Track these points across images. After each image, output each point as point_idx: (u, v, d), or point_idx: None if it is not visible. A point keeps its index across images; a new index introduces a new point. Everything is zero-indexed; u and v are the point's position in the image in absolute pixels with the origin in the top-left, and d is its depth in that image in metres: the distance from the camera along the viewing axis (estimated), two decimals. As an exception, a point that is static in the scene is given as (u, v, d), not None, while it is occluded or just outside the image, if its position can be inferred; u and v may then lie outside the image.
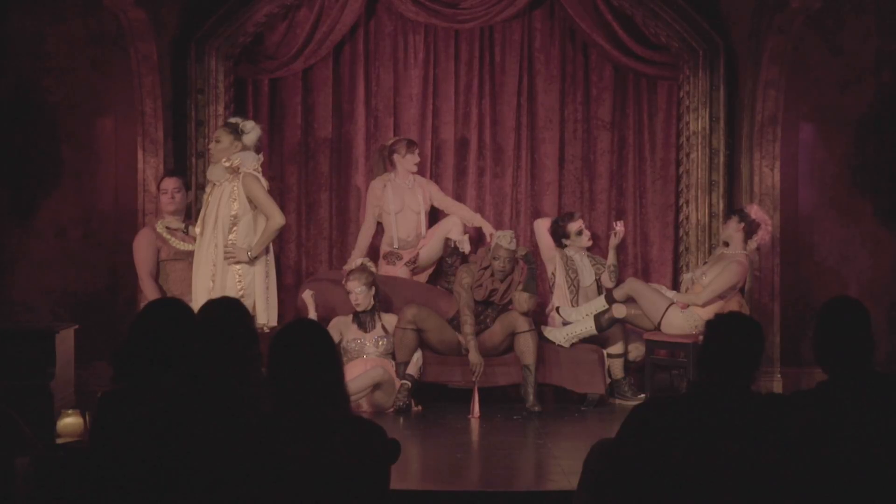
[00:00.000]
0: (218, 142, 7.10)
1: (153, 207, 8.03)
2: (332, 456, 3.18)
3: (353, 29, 8.74)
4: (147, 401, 3.33)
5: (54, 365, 6.68)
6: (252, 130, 7.12)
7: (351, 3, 8.55)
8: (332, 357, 3.34)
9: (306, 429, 3.21)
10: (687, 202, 8.66)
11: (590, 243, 8.44)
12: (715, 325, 3.63)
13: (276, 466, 3.16)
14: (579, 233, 8.38)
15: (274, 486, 3.16)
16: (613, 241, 8.37)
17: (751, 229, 7.91)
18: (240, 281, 6.97)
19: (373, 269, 7.96)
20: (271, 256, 7.18)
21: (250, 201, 7.02)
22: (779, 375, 8.29)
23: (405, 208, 8.41)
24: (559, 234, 8.43)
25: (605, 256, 8.48)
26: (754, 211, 7.95)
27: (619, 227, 8.38)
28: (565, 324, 8.11)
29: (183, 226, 7.60)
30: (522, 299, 7.81)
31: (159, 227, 7.53)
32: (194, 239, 7.29)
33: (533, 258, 7.97)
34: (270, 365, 3.31)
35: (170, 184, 7.64)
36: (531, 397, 7.69)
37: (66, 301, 8.30)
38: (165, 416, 3.27)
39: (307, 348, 3.31)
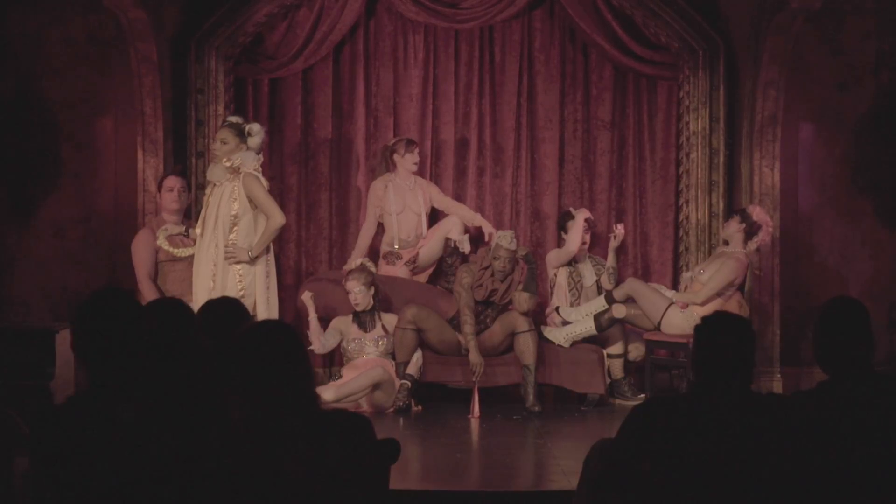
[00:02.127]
0: (224, 143, 7.10)
1: (153, 207, 8.03)
2: (317, 452, 3.16)
3: (353, 29, 8.74)
4: (106, 412, 3.17)
5: (54, 365, 6.69)
6: (258, 134, 7.16)
7: (351, 3, 8.55)
8: (298, 354, 3.27)
9: (286, 429, 3.18)
10: (687, 202, 8.66)
11: (583, 245, 8.42)
12: (703, 329, 3.62)
13: (262, 470, 3.14)
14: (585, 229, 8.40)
15: (265, 491, 3.14)
16: (613, 244, 8.36)
17: (752, 230, 7.91)
18: (240, 281, 6.98)
19: (372, 269, 7.96)
20: (272, 256, 7.19)
21: (250, 201, 7.03)
22: (779, 375, 8.29)
23: (406, 209, 8.42)
24: (560, 228, 8.46)
25: (604, 257, 8.48)
26: (756, 212, 7.94)
27: (619, 229, 8.37)
28: (565, 324, 8.11)
29: (183, 227, 7.60)
30: (522, 299, 7.81)
31: (160, 241, 7.52)
32: (194, 241, 7.30)
33: (533, 258, 7.97)
34: (237, 368, 3.23)
35: (176, 182, 7.67)
36: (531, 397, 7.69)
37: (66, 301, 8.29)
38: (134, 425, 3.14)
39: (272, 347, 3.24)
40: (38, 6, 8.31)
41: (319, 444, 3.16)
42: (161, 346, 3.30)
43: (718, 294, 7.82)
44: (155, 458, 3.11)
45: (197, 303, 6.51)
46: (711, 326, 3.61)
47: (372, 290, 7.78)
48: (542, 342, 7.94)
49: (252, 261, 7.01)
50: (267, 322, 3.39)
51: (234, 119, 7.29)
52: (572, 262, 8.41)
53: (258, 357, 3.21)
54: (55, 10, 8.33)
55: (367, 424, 3.28)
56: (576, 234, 8.30)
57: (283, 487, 3.13)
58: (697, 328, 3.64)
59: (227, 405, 3.35)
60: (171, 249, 7.49)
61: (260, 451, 3.14)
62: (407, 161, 8.41)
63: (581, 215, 8.36)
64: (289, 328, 3.34)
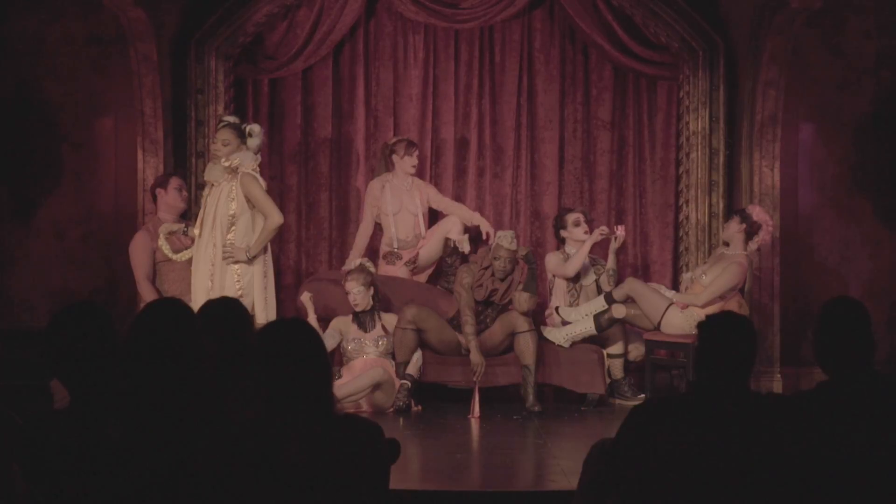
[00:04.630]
0: (226, 144, 7.09)
1: (153, 207, 8.01)
2: (327, 457, 3.16)
3: (352, 29, 8.74)
4: (98, 421, 3.16)
5: (54, 365, 6.67)
6: (258, 135, 7.16)
7: (351, 3, 8.55)
8: (320, 356, 3.29)
9: (299, 430, 3.18)
10: (687, 202, 8.66)
11: (586, 237, 8.38)
12: (706, 328, 3.62)
13: (268, 470, 3.14)
14: (577, 224, 8.34)
15: (268, 491, 3.14)
16: (614, 245, 8.30)
17: (752, 230, 7.91)
18: (238, 280, 6.98)
19: (371, 269, 7.95)
20: (269, 256, 7.18)
21: (248, 201, 7.03)
22: (779, 375, 8.29)
23: (403, 210, 8.42)
24: (558, 227, 8.43)
25: (604, 258, 8.46)
26: (756, 212, 7.94)
27: (620, 231, 8.33)
28: (565, 324, 8.10)
29: (183, 226, 7.61)
30: (523, 299, 7.80)
31: (161, 242, 7.52)
32: (192, 240, 7.31)
33: (533, 258, 7.96)
34: (257, 364, 3.24)
35: (183, 183, 7.76)
36: (531, 397, 7.69)
37: (66, 301, 8.26)
38: (132, 432, 3.13)
39: (294, 347, 3.25)
40: (38, 6, 8.31)
41: (329, 447, 3.16)
42: (161, 346, 3.30)
43: (719, 297, 7.81)
44: (147, 468, 3.11)
45: (195, 303, 6.51)
46: (716, 326, 3.61)
47: (371, 291, 7.77)
48: (542, 342, 7.94)
49: (250, 260, 7.00)
50: (291, 321, 3.40)
51: (232, 119, 7.28)
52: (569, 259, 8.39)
53: (279, 355, 3.22)
54: (55, 10, 8.33)
55: (378, 431, 3.28)
56: (579, 259, 8.23)
57: (287, 488, 3.13)
58: (701, 325, 3.64)
59: (228, 406, 3.35)
60: (170, 254, 7.49)
61: (268, 450, 3.14)
62: (405, 163, 8.41)
63: (592, 239, 8.24)
64: (312, 329, 3.35)
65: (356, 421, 3.32)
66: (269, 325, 3.35)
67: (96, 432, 3.14)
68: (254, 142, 7.13)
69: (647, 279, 8.59)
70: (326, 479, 3.15)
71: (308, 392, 3.22)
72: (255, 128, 7.19)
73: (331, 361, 3.36)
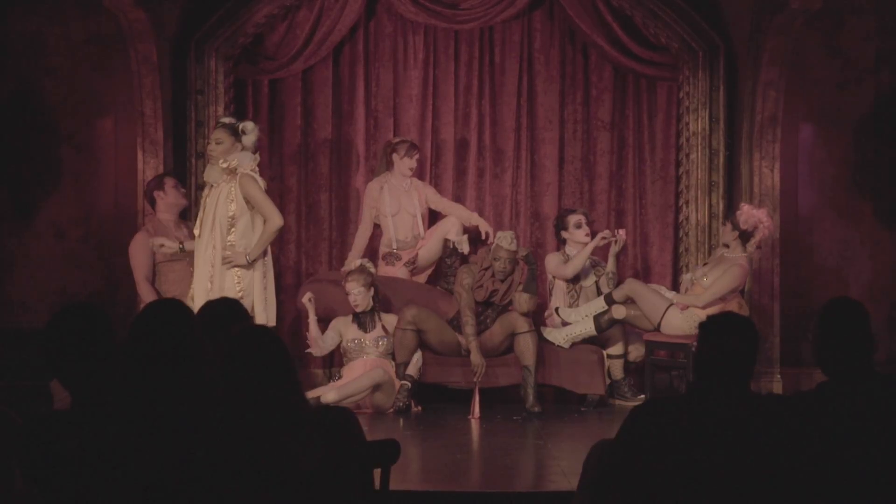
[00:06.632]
0: (219, 143, 7.08)
1: (151, 209, 8.00)
2: (303, 449, 3.19)
3: (352, 30, 8.74)
4: (96, 422, 3.19)
5: (54, 365, 6.67)
6: (252, 132, 7.13)
7: (351, 4, 8.55)
8: (283, 364, 3.31)
9: (270, 429, 3.21)
10: (687, 203, 8.66)
11: (587, 239, 8.38)
12: (707, 328, 3.62)
13: (267, 470, 3.15)
14: (578, 226, 8.33)
15: (268, 491, 3.15)
16: (614, 249, 8.30)
17: (745, 233, 7.87)
18: (238, 282, 6.97)
19: (371, 269, 7.95)
20: (269, 256, 7.17)
21: (248, 202, 7.02)
22: (779, 376, 8.29)
23: (401, 210, 8.42)
24: (559, 227, 8.42)
25: (604, 260, 8.45)
26: (744, 216, 7.83)
27: (620, 234, 8.32)
28: (565, 324, 8.10)
29: (179, 245, 7.56)
30: (523, 300, 7.80)
31: (154, 247, 7.54)
32: (191, 237, 7.32)
33: (534, 259, 7.96)
34: (225, 372, 3.28)
35: (176, 180, 7.80)
36: (531, 398, 7.69)
37: (66, 301, 8.27)
38: (126, 433, 3.15)
39: (257, 357, 3.28)
40: (38, 6, 8.31)
41: (304, 440, 3.19)
42: (161, 347, 3.30)
43: (720, 299, 7.81)
44: (147, 469, 3.12)
45: (196, 304, 6.51)
46: (717, 326, 3.60)
47: (371, 291, 7.77)
48: (542, 343, 7.94)
49: (250, 263, 6.99)
50: (253, 328, 3.43)
51: (227, 119, 7.28)
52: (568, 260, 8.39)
53: (241, 362, 3.27)
54: (55, 10, 8.33)
55: (350, 417, 3.34)
56: (580, 261, 8.23)
57: (284, 487, 3.14)
58: (703, 326, 3.64)
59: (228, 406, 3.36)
60: (165, 245, 7.51)
61: (266, 451, 3.16)
62: (404, 164, 8.40)
63: (594, 244, 8.22)
64: (272, 335, 3.39)
65: (327, 410, 3.37)
66: (231, 335, 3.37)
67: (97, 433, 3.14)
68: (248, 139, 7.10)
69: (648, 280, 8.58)
70: (305, 469, 3.17)
71: (273, 393, 3.24)
72: (248, 125, 7.16)
73: (294, 363, 3.37)
